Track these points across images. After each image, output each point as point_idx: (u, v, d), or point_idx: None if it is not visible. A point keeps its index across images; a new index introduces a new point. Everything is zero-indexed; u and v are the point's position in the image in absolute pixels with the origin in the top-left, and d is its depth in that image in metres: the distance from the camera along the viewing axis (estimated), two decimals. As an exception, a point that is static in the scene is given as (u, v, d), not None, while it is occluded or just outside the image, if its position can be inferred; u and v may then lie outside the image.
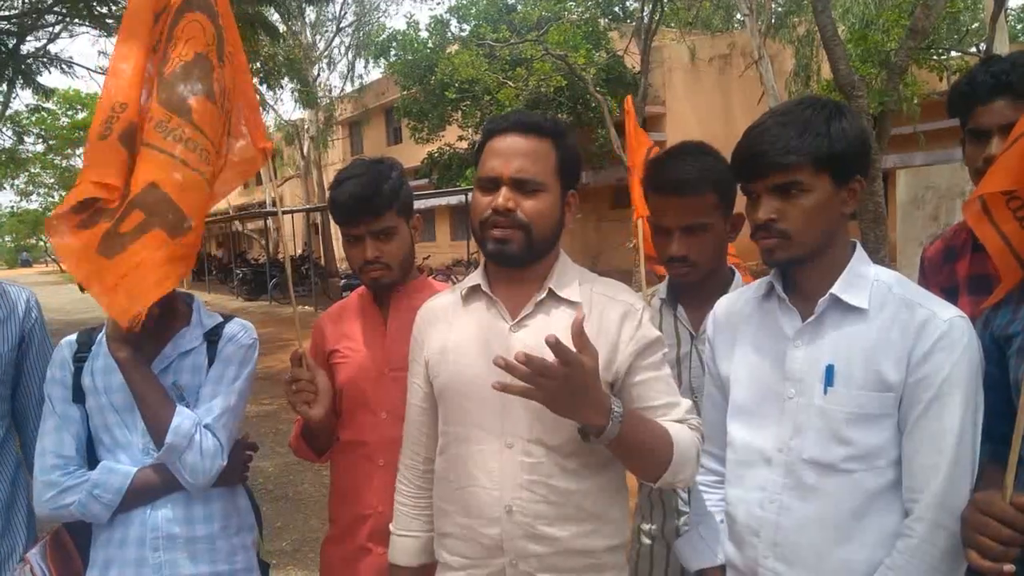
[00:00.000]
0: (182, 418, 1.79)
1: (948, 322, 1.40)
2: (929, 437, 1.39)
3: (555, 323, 1.58)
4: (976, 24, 17.98)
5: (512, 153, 1.58)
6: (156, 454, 1.81)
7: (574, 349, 1.35)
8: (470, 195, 1.73)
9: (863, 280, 1.50)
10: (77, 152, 41.55)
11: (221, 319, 2.01)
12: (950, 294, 1.76)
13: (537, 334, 1.55)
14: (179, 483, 1.83)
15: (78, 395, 1.86)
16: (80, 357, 1.89)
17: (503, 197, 1.56)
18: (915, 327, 1.41)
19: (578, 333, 1.36)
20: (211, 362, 1.93)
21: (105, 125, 1.78)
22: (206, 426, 1.84)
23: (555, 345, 1.31)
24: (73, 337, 1.93)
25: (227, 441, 1.88)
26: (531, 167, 1.57)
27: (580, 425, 1.45)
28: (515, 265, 1.62)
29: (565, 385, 1.34)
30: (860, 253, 1.55)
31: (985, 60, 1.78)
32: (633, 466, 1.57)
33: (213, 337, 1.96)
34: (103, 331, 1.89)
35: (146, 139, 1.77)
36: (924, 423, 1.39)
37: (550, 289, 1.62)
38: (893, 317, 1.44)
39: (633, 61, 19.21)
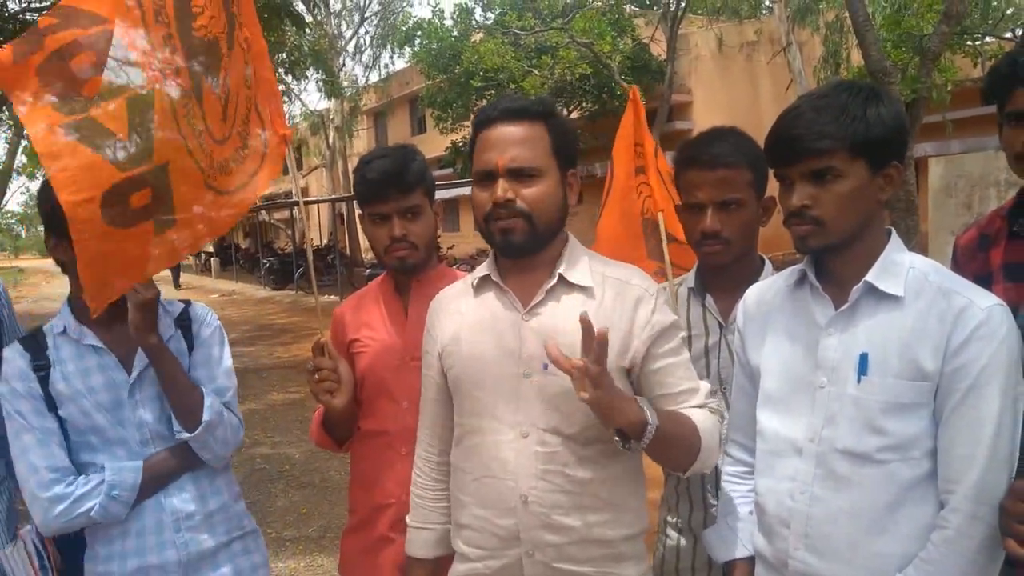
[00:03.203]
0: (211, 397, 1.88)
1: (987, 310, 1.37)
2: (966, 427, 1.36)
3: (566, 309, 1.57)
4: (1011, 9, 17.59)
5: (504, 143, 1.56)
6: (152, 445, 1.87)
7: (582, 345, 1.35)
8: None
9: (898, 267, 1.47)
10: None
11: (182, 305, 2.03)
12: (984, 282, 1.72)
13: (549, 321, 1.56)
14: (184, 466, 1.90)
15: (50, 404, 1.81)
16: (40, 366, 1.83)
17: (501, 189, 1.54)
18: (952, 315, 1.38)
19: (587, 328, 1.34)
20: (190, 347, 1.97)
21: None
22: (225, 404, 1.94)
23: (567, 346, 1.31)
24: (18, 347, 1.85)
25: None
26: (525, 154, 1.55)
27: (616, 434, 1.44)
28: (524, 255, 1.61)
29: (606, 387, 1.34)
30: (895, 240, 1.51)
31: None
32: (665, 460, 1.57)
33: (183, 322, 1.99)
34: (51, 333, 1.86)
35: (177, 112, 1.67)
36: (961, 412, 1.36)
37: (560, 275, 1.60)
38: (930, 305, 1.41)
39: (659, 49, 19.05)
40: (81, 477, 1.81)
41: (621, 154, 2.68)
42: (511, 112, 1.58)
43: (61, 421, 1.82)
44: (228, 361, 2.03)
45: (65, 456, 1.81)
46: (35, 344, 1.86)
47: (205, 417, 1.84)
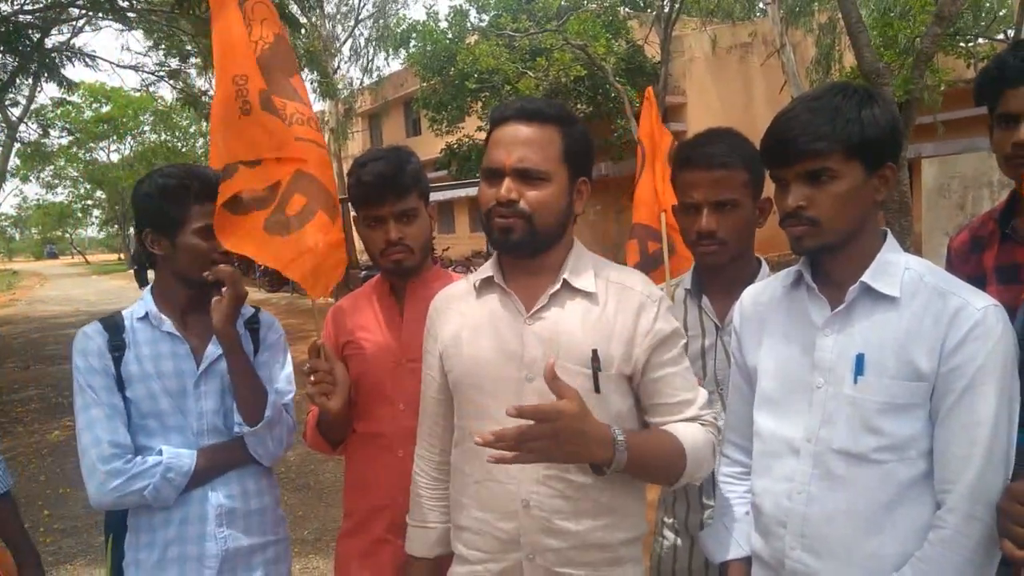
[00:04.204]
0: (274, 395, 1.95)
1: (982, 311, 1.37)
2: (962, 427, 1.36)
3: (569, 314, 1.57)
4: (1004, 11, 17.67)
5: (514, 142, 1.56)
6: (207, 436, 1.93)
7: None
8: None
9: (894, 268, 1.47)
10: (101, 145, 41.94)
11: (252, 310, 2.10)
12: (977, 284, 1.72)
13: (552, 326, 1.56)
14: (233, 462, 1.94)
15: (119, 384, 1.88)
16: (116, 346, 1.90)
17: (505, 188, 1.54)
18: (948, 316, 1.38)
19: (552, 379, 1.34)
20: (256, 349, 2.04)
21: (241, 101, 1.83)
22: (283, 405, 2.00)
23: (529, 412, 1.31)
24: (98, 326, 1.93)
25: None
26: (533, 156, 1.55)
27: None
28: (521, 254, 1.61)
29: (557, 440, 1.33)
30: (891, 241, 1.52)
31: (1014, 44, 1.75)
32: (646, 479, 1.58)
33: (252, 325, 2.06)
34: (130, 318, 1.94)
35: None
36: (957, 413, 1.37)
37: (564, 280, 1.60)
38: (925, 306, 1.42)
39: (653, 51, 19.08)
40: (139, 456, 1.85)
41: (646, 139, 2.77)
42: (525, 112, 1.58)
43: (126, 402, 1.88)
44: (290, 367, 2.09)
45: (127, 435, 1.86)
46: (114, 326, 1.93)
47: (267, 412, 1.91)
